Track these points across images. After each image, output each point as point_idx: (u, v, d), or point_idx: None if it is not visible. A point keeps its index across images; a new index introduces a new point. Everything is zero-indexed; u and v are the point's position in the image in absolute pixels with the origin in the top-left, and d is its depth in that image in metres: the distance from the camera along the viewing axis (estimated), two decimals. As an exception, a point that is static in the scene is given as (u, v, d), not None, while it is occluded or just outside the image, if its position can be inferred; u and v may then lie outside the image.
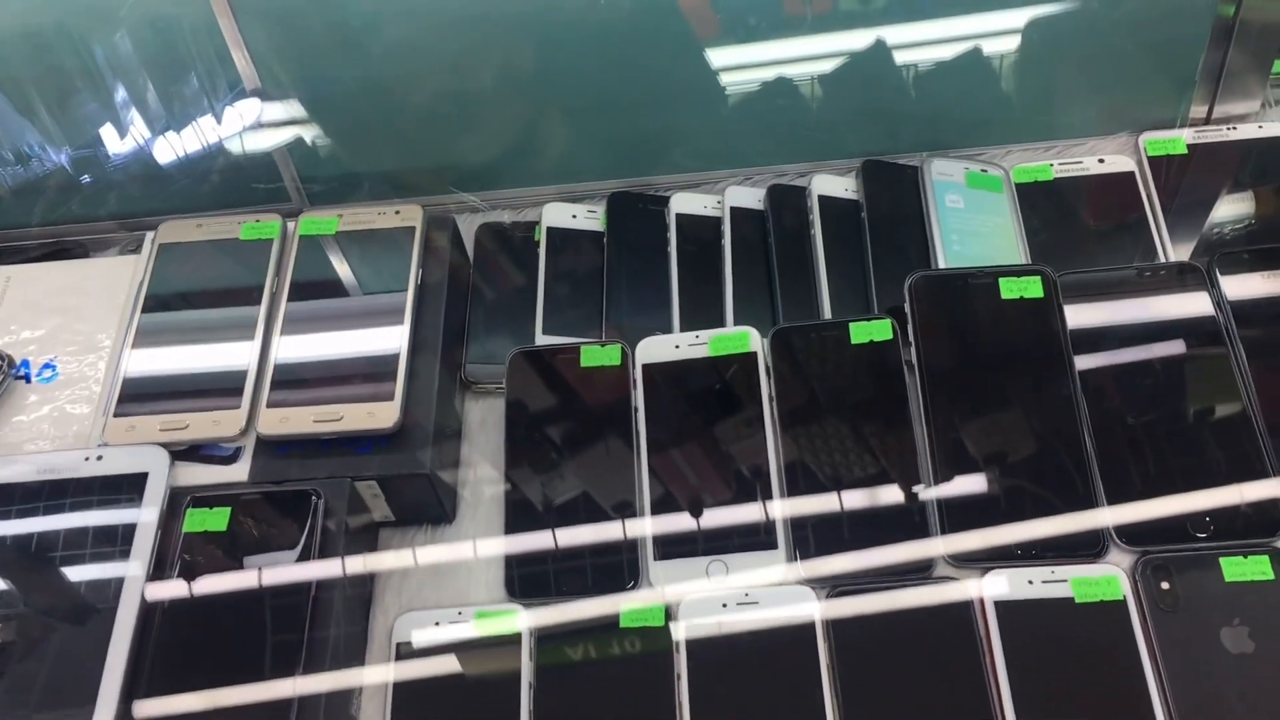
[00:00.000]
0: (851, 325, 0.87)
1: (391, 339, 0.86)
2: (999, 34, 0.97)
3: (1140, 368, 0.84)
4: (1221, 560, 0.76)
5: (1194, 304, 0.87)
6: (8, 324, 0.91)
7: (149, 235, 0.94)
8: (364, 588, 0.83)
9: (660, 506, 0.83)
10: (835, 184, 0.98)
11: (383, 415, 0.82)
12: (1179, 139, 0.98)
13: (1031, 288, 0.87)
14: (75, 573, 0.77)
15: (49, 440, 0.85)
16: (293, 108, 0.99)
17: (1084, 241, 0.94)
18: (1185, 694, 0.72)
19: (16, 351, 0.89)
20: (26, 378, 0.88)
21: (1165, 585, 0.76)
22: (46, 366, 0.89)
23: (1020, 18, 0.96)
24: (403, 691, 0.78)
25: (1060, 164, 0.98)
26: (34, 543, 0.78)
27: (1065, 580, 0.76)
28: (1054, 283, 0.87)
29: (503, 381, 0.89)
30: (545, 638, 0.78)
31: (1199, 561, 0.77)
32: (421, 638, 0.79)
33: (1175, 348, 0.85)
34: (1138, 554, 0.78)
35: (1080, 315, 0.86)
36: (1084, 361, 0.84)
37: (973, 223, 0.94)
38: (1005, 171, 0.98)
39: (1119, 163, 0.98)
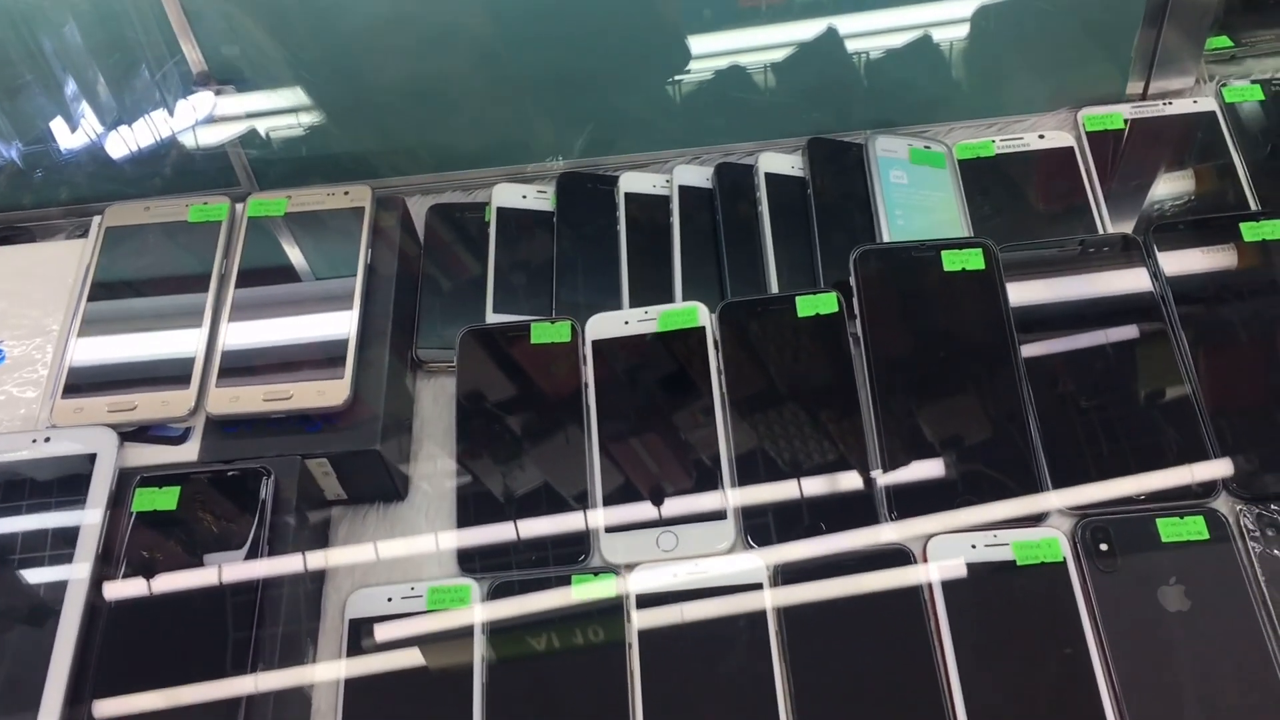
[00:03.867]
0: (798, 299, 0.88)
1: (341, 318, 0.86)
2: (943, 19, 0.98)
3: (1080, 338, 0.86)
4: (1158, 521, 0.78)
5: (1131, 276, 0.89)
6: (-46, 309, 0.91)
7: (96, 219, 0.94)
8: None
9: (610, 481, 0.84)
10: (782, 162, 1.00)
11: (332, 393, 0.82)
12: (1117, 114, 1.00)
13: (973, 260, 0.88)
14: (22, 559, 0.77)
15: (-4, 424, 0.85)
16: (241, 92, 0.98)
17: (1025, 215, 0.96)
18: (1124, 651, 0.73)
19: (-37, 337, 0.89)
20: (-27, 362, 0.88)
21: (1104, 546, 0.77)
22: (-7, 351, 0.88)
23: (962, 3, 0.97)
24: (355, 667, 0.78)
25: (1002, 140, 1.00)
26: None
27: (1007, 544, 0.78)
28: (995, 255, 0.88)
29: (454, 360, 0.90)
30: (497, 612, 0.79)
31: (1137, 523, 0.78)
32: (374, 614, 0.80)
33: (1113, 319, 0.87)
34: (1077, 516, 0.79)
35: (1020, 288, 0.88)
36: (1025, 334, 0.86)
37: (916, 198, 0.96)
38: (948, 148, 1.00)
39: (1059, 138, 1.00)
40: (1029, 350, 0.85)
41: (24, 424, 0.84)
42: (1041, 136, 1.00)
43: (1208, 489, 0.79)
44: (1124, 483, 0.80)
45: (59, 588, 0.75)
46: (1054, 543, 0.78)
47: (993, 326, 0.86)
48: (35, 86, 0.97)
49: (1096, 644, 0.74)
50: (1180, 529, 0.78)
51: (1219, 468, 0.80)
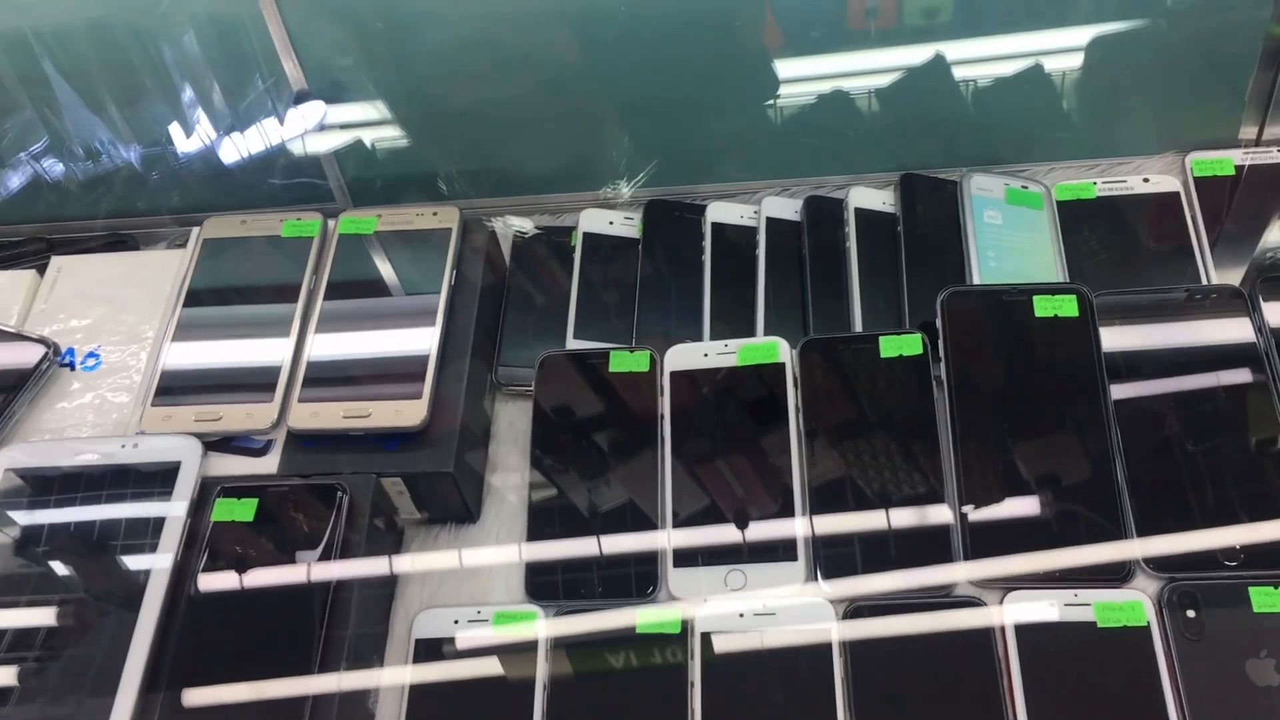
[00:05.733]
0: (881, 339, 0.87)
1: (423, 338, 0.87)
2: (1047, 52, 0.96)
3: (1176, 392, 0.83)
4: (1251, 590, 0.74)
5: (1234, 329, 0.85)
6: (56, 313, 0.94)
7: (195, 230, 0.97)
8: (387, 583, 0.84)
9: (681, 514, 0.83)
10: (873, 197, 0.98)
11: (410, 413, 0.83)
12: (1227, 160, 0.96)
13: (1066, 306, 0.86)
14: (106, 559, 0.79)
15: (90, 428, 0.87)
16: (339, 109, 1.00)
17: (1125, 261, 0.93)
18: (1207, 726, 0.71)
19: (63, 340, 0.91)
20: (71, 365, 0.90)
21: (1191, 613, 0.74)
22: (91, 355, 0.91)
23: (1069, 37, 0.95)
24: (419, 687, 0.78)
25: (1104, 182, 0.97)
26: (69, 528, 0.80)
27: (1089, 604, 0.75)
28: (1090, 302, 0.86)
29: (532, 384, 0.90)
30: (561, 640, 0.79)
31: (1227, 590, 0.75)
32: (440, 635, 0.80)
33: (1213, 373, 0.83)
34: (1164, 580, 0.76)
35: (1116, 336, 0.85)
36: (1118, 383, 0.83)
37: (1010, 239, 0.93)
38: (1046, 189, 0.97)
39: (1164, 183, 0.96)
40: (1122, 398, 0.82)
41: (116, 428, 0.87)
42: (1146, 180, 0.97)
43: (1306, 558, 0.76)
44: (1212, 539, 0.77)
45: (139, 597, 0.76)
46: (1138, 606, 0.75)
47: (1084, 377, 0.83)
48: (155, 94, 1.00)
49: (1178, 714, 0.71)
50: (1274, 599, 0.74)
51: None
